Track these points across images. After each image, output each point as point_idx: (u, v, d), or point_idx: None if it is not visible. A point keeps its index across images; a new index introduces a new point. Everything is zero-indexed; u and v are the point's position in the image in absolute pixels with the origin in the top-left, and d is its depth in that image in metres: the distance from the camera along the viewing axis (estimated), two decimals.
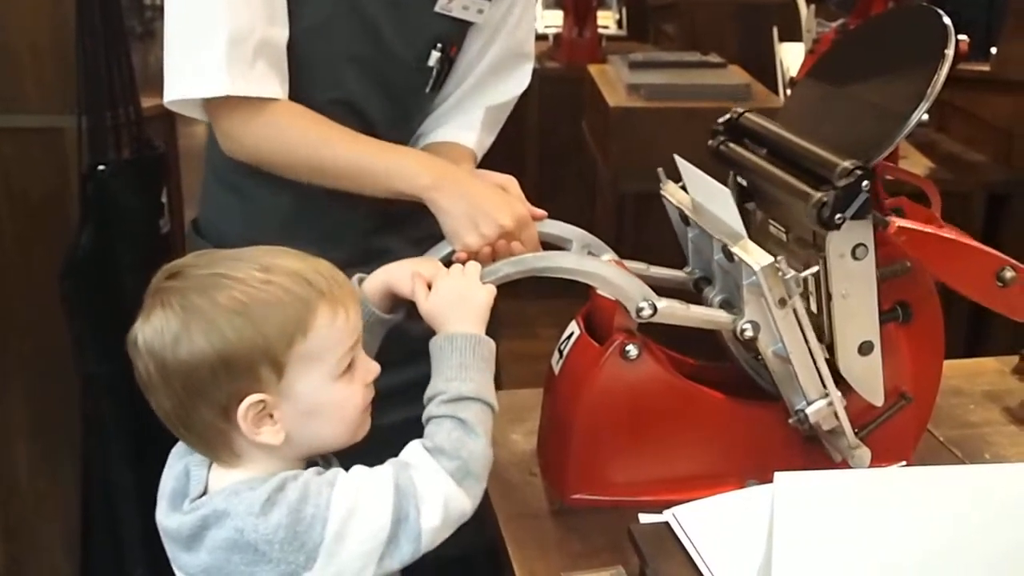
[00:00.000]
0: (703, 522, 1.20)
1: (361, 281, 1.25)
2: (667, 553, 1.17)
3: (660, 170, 1.43)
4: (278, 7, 1.42)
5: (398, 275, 1.22)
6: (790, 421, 1.30)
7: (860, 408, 1.33)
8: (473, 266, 1.23)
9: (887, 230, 1.22)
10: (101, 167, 2.25)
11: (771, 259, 1.22)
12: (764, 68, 3.51)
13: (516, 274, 1.26)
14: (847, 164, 1.19)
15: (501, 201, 1.38)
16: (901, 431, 1.39)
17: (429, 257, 1.33)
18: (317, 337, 1.04)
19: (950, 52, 1.23)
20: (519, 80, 1.67)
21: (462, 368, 1.12)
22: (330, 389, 1.06)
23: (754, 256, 1.23)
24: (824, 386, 1.28)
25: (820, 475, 0.99)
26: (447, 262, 1.29)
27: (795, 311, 1.24)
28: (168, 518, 1.07)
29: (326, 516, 1.00)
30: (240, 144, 1.45)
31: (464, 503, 1.07)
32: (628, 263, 1.40)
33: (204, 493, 1.06)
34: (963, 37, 2.67)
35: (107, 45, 2.26)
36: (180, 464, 1.09)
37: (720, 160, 1.42)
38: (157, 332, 1.02)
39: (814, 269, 1.24)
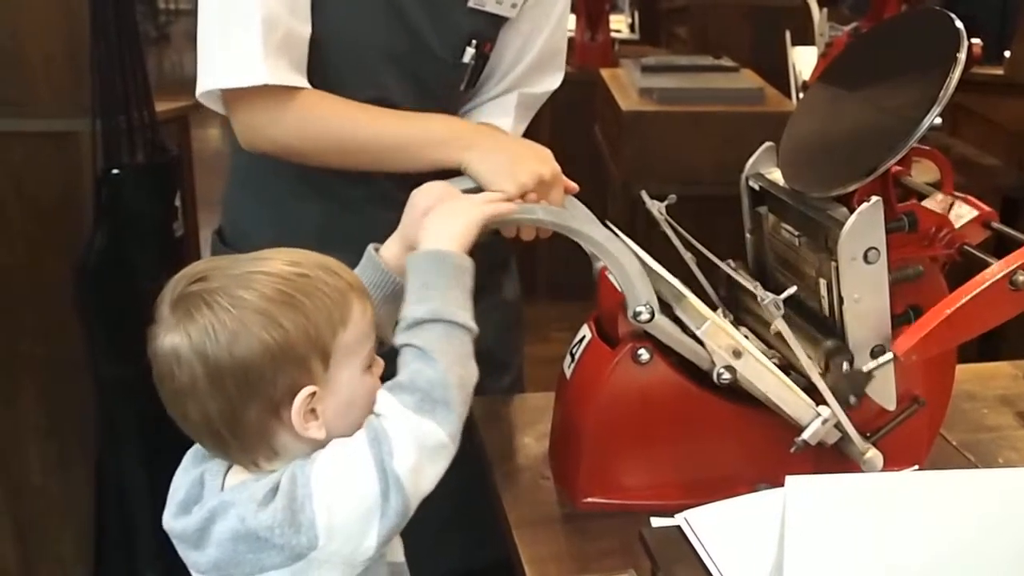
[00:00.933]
0: (714, 526, 1.19)
1: (377, 250, 1.24)
2: (679, 557, 1.17)
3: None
4: (302, 3, 1.42)
5: (411, 228, 1.20)
6: (792, 450, 1.30)
7: (873, 412, 1.32)
8: (484, 195, 1.22)
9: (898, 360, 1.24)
10: (115, 171, 2.26)
11: (708, 320, 1.24)
12: (777, 72, 3.50)
13: (548, 223, 1.26)
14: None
15: (539, 153, 1.39)
16: (914, 435, 1.38)
17: (444, 184, 1.29)
18: (354, 327, 1.05)
19: (962, 56, 1.23)
20: (554, 77, 1.67)
21: (424, 288, 1.09)
22: (362, 380, 1.06)
23: (693, 319, 1.25)
24: (815, 404, 1.28)
25: (831, 479, 0.99)
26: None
27: (752, 356, 1.26)
28: (176, 520, 1.06)
29: (310, 492, 0.99)
30: (268, 136, 1.44)
31: (438, 434, 1.02)
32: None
33: None
34: (976, 40, 2.66)
35: (121, 49, 2.27)
36: (196, 471, 1.08)
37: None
38: (207, 333, 0.99)
39: (791, 290, 1.24)
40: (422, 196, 1.23)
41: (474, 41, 1.54)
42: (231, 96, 1.43)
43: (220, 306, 1.00)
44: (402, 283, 1.15)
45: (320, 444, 1.04)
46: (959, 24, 1.27)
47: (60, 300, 2.29)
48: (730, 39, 4.40)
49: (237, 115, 1.45)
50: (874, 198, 1.22)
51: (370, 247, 1.24)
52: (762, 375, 1.27)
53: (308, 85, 1.43)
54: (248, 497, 1.00)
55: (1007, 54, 3.49)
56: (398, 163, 1.44)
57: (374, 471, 1.00)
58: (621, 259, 1.26)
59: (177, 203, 2.36)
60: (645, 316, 1.25)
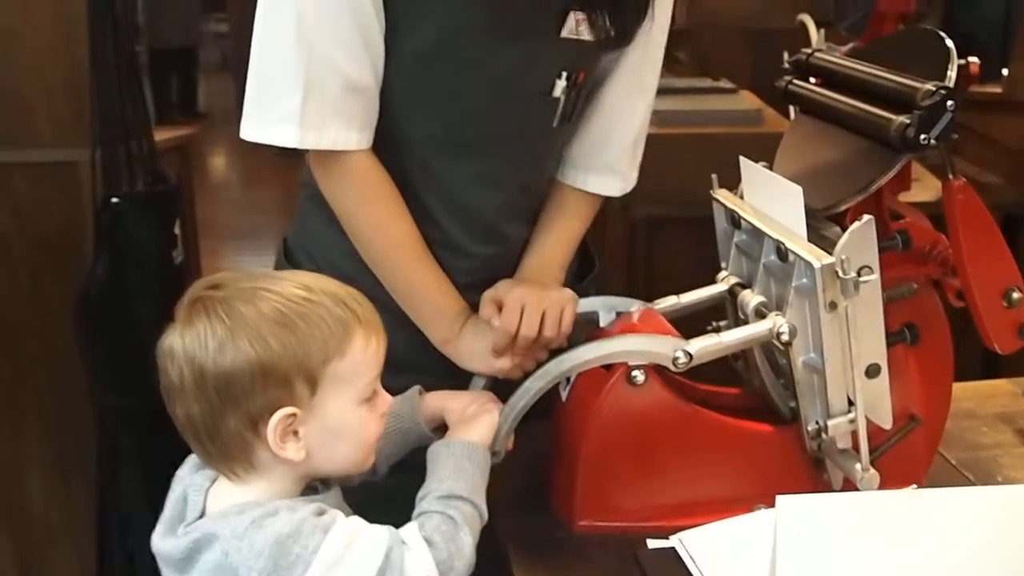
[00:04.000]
0: (709, 547, 1.19)
1: (421, 393, 1.30)
2: None
3: (714, 176, 1.43)
4: (364, 44, 1.31)
5: (451, 406, 1.28)
6: (808, 429, 1.29)
7: (869, 431, 1.32)
8: (492, 417, 1.25)
9: (955, 179, 1.25)
10: (115, 200, 2.27)
11: (832, 258, 1.20)
12: (775, 93, 3.50)
13: (547, 385, 1.28)
14: (930, 86, 1.20)
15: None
16: (911, 454, 1.38)
17: (484, 392, 1.35)
18: (352, 359, 1.06)
19: (952, 73, 1.23)
20: (649, 98, 1.54)
21: (457, 470, 1.15)
22: (355, 413, 1.08)
23: (815, 254, 1.22)
24: (850, 401, 1.27)
25: (823, 498, 0.99)
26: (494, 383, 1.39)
27: (845, 317, 1.23)
28: (163, 541, 1.07)
29: (309, 561, 1.00)
30: (322, 190, 1.42)
31: None
32: (658, 302, 1.41)
33: (200, 517, 1.06)
34: (974, 59, 2.66)
35: (120, 80, 2.29)
36: (179, 488, 1.10)
37: (790, 99, 1.44)
38: (199, 338, 1.03)
39: (874, 276, 1.23)
40: (458, 405, 1.29)
41: (565, 73, 1.39)
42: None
43: (217, 315, 1.03)
44: (423, 431, 1.27)
45: (299, 466, 1.06)
46: (949, 43, 1.27)
47: (62, 329, 2.30)
48: (730, 61, 4.40)
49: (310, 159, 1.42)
50: (866, 216, 1.22)
51: (416, 388, 1.30)
52: (835, 338, 1.24)
53: (352, 143, 1.34)
54: (231, 531, 1.01)
55: (1005, 72, 3.49)
56: (399, 302, 1.42)
57: None
58: (623, 349, 1.28)
59: (177, 231, 2.37)
60: (684, 359, 1.26)
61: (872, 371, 1.28)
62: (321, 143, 1.33)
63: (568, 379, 1.36)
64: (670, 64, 5.61)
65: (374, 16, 1.30)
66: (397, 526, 1.08)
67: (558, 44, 1.36)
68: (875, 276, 1.23)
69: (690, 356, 1.25)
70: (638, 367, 1.29)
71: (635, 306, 1.40)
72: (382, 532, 1.05)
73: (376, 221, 1.40)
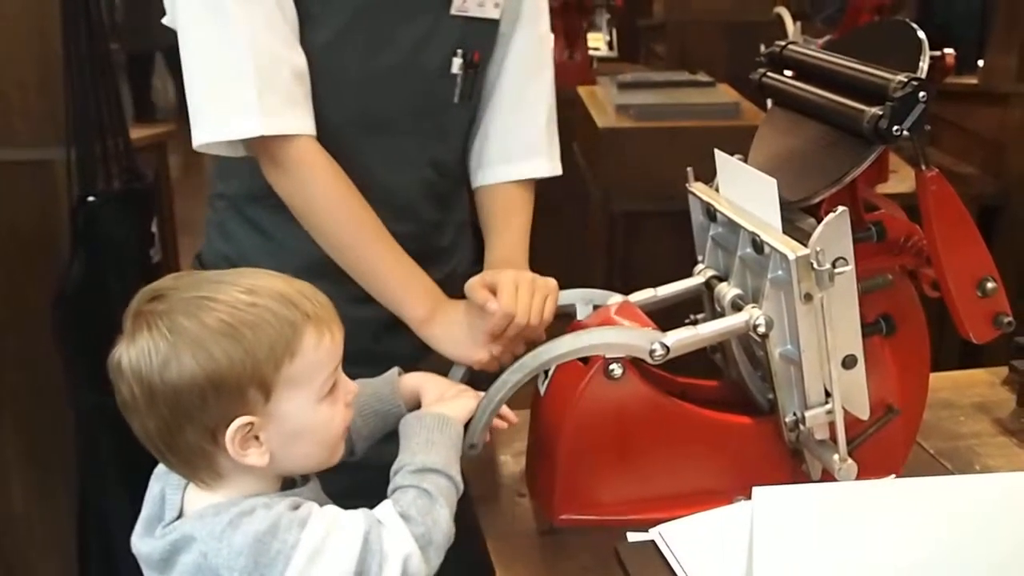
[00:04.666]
0: (688, 539, 1.20)
1: (400, 374, 1.29)
2: (653, 571, 1.17)
3: (689, 169, 1.44)
4: (295, 26, 1.39)
5: (429, 387, 1.27)
6: (786, 420, 1.30)
7: (846, 422, 1.32)
8: (469, 402, 1.25)
9: (928, 170, 1.25)
10: (91, 198, 2.26)
11: (806, 250, 1.21)
12: (753, 86, 3.51)
13: (525, 378, 1.28)
14: (902, 77, 1.20)
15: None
16: (889, 444, 1.38)
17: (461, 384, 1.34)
18: (304, 359, 1.04)
19: (924, 64, 1.24)
20: (547, 71, 1.62)
21: (428, 443, 1.14)
22: (315, 411, 1.07)
23: (789, 246, 1.23)
24: (827, 392, 1.28)
25: (799, 488, 0.99)
26: (467, 375, 1.38)
27: (821, 307, 1.23)
28: (142, 542, 1.07)
29: (290, 556, 0.99)
30: (271, 179, 1.42)
31: (421, 570, 1.06)
32: (635, 295, 1.41)
33: (179, 517, 1.06)
34: (949, 50, 2.68)
35: (94, 77, 2.27)
36: (157, 487, 1.09)
37: (764, 91, 1.44)
38: (143, 354, 1.00)
39: (848, 268, 1.23)
40: (435, 387, 1.28)
41: (460, 51, 1.50)
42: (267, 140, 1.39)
43: (159, 331, 1.00)
44: (401, 412, 1.25)
45: (265, 469, 1.05)
46: (921, 34, 1.28)
47: (39, 328, 2.28)
48: (707, 54, 4.41)
49: (259, 158, 1.42)
50: (840, 208, 1.23)
51: (396, 369, 1.30)
52: (812, 330, 1.24)
53: (305, 128, 1.39)
54: (208, 533, 1.00)
55: (981, 63, 3.51)
56: (366, 287, 1.43)
57: (353, 565, 1.01)
58: (599, 342, 1.28)
59: (154, 229, 2.36)
60: (661, 351, 1.26)
61: (848, 362, 1.28)
62: (284, 128, 1.36)
63: (546, 373, 1.36)
64: (648, 58, 5.67)
65: (292, 6, 1.38)
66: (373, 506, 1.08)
67: (450, 21, 1.48)
68: (850, 267, 1.24)
69: (667, 348, 1.26)
70: (616, 360, 1.29)
71: (612, 299, 1.40)
72: (358, 517, 1.04)
73: (337, 201, 1.41)
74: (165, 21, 1.45)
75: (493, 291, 1.35)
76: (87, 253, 2.25)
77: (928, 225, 1.27)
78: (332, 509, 1.06)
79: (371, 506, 1.08)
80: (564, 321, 1.40)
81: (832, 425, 1.29)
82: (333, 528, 1.02)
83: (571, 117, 3.91)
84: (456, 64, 1.50)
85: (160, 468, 1.11)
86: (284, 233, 1.50)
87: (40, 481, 2.47)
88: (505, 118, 1.59)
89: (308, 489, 1.11)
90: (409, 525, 1.06)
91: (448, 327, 1.40)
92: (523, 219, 1.57)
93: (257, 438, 1.03)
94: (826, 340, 1.24)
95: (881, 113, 1.20)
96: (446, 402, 1.23)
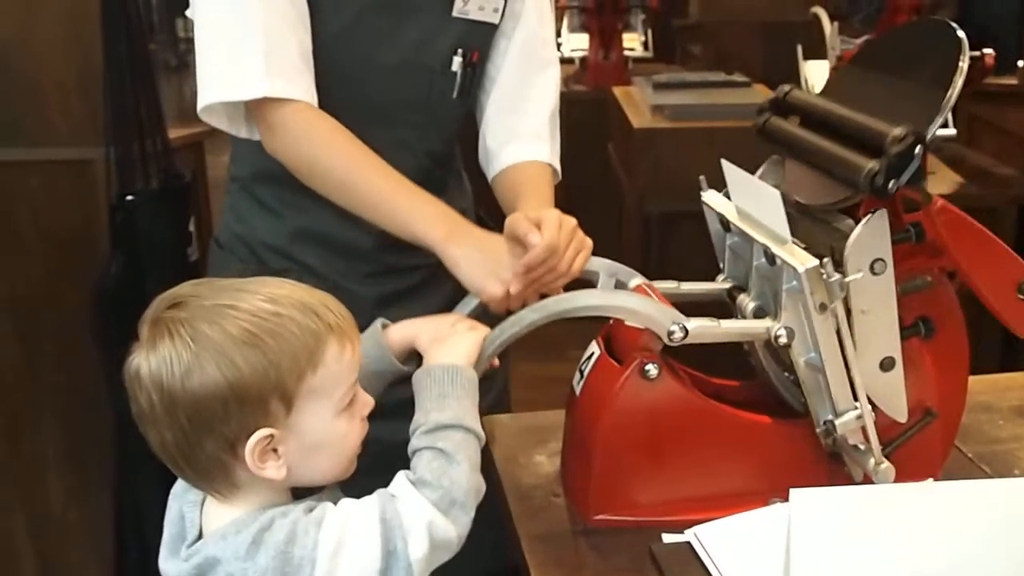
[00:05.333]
0: (725, 541, 1.19)
1: (385, 327, 1.25)
2: (689, 573, 1.16)
3: (702, 178, 1.43)
4: (304, 16, 1.46)
5: (421, 331, 1.24)
6: (818, 430, 1.29)
7: (884, 425, 1.31)
8: (478, 334, 1.22)
9: (931, 205, 1.23)
10: (130, 197, 2.28)
11: (816, 261, 1.21)
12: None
13: (541, 320, 1.25)
14: (898, 131, 1.19)
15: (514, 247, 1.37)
16: (927, 448, 1.37)
17: (456, 314, 1.32)
18: (326, 371, 1.03)
19: (964, 64, 1.23)
20: (548, 71, 1.67)
21: (441, 398, 1.11)
22: (333, 424, 1.05)
23: (799, 258, 1.22)
24: (855, 398, 1.27)
25: (837, 491, 0.98)
26: (478, 312, 1.32)
27: (836, 317, 1.22)
28: (168, 564, 1.06)
29: (314, 557, 0.98)
30: (270, 147, 1.47)
31: (449, 532, 1.04)
32: (658, 283, 1.40)
33: (200, 536, 1.05)
34: (989, 51, 2.66)
35: (134, 77, 2.30)
36: (176, 507, 1.08)
37: (766, 138, 1.42)
38: (165, 363, 0.98)
39: (859, 274, 1.22)
40: (434, 325, 1.25)
41: (460, 50, 1.57)
42: (263, 105, 1.44)
43: (181, 338, 0.98)
44: (394, 364, 1.23)
45: (282, 482, 1.04)
46: (961, 33, 1.27)
47: (79, 328, 2.30)
48: (743, 55, 4.40)
49: (267, 123, 1.46)
50: (879, 209, 1.22)
51: (378, 322, 1.25)
52: (830, 339, 1.24)
53: (307, 97, 1.45)
54: (232, 554, 0.99)
55: (1021, 64, 3.48)
56: (379, 221, 1.44)
57: (379, 549, 1.00)
58: (625, 305, 1.26)
59: (191, 228, 2.38)
60: (679, 334, 1.25)
61: (887, 364, 1.28)
62: (287, 92, 1.42)
63: (581, 372, 1.36)
64: (683, 58, 5.66)
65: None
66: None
67: (452, 22, 1.55)
68: (889, 269, 1.23)
69: (686, 332, 1.24)
70: (651, 360, 1.28)
71: (635, 280, 1.39)
72: (371, 500, 1.03)
73: (335, 144, 1.45)
74: (188, 13, 1.51)
75: (536, 227, 1.33)
76: (126, 252, 2.27)
77: (950, 255, 1.26)
78: (345, 502, 1.04)
79: (388, 481, 1.07)
80: (582, 287, 1.38)
81: (864, 429, 1.28)
82: (349, 519, 1.01)
83: (606, 117, 3.92)
84: (456, 63, 1.58)
85: (177, 487, 1.09)
86: (291, 211, 1.58)
87: (79, 482, 2.48)
88: (506, 116, 1.64)
89: (326, 494, 1.10)
90: (425, 490, 1.04)
91: (469, 250, 1.37)
92: (545, 189, 1.58)
93: (275, 451, 1.02)
94: (848, 346, 1.24)
95: (877, 169, 1.19)
96: (445, 343, 1.19)
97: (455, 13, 1.55)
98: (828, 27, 3.22)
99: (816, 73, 3.27)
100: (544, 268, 1.32)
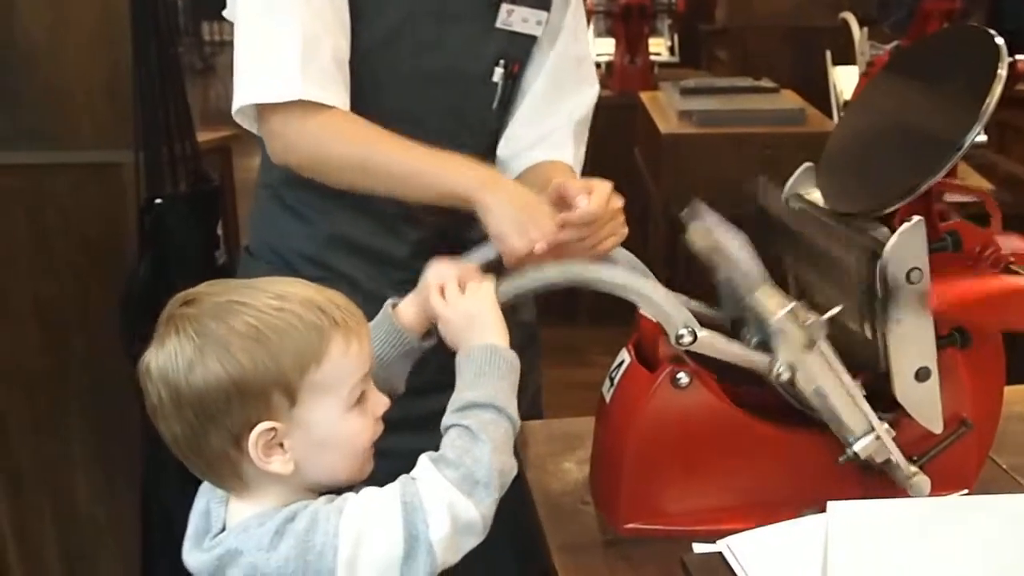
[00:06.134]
0: (757, 552, 1.18)
1: (395, 306, 1.23)
2: None
3: (685, 212, 1.39)
4: (344, 21, 1.46)
5: (434, 300, 1.20)
6: (840, 460, 1.28)
7: (919, 435, 1.30)
8: (487, 285, 1.20)
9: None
10: (158, 201, 2.28)
11: (787, 307, 1.22)
12: (818, 92, 3.48)
13: (562, 281, 1.24)
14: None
15: (550, 208, 1.37)
16: (962, 459, 1.36)
17: (461, 263, 1.27)
18: (331, 366, 1.03)
19: (1003, 72, 1.21)
20: (587, 88, 1.68)
21: (477, 377, 1.10)
22: (343, 420, 1.05)
23: (770, 306, 1.23)
24: (869, 420, 1.26)
25: (875, 504, 0.97)
26: (493, 265, 1.29)
27: (823, 353, 1.24)
28: (191, 556, 1.06)
29: (336, 544, 0.99)
30: (295, 150, 1.47)
31: (471, 512, 1.02)
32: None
33: (223, 530, 1.05)
34: (1021, 56, 2.63)
35: (163, 81, 2.30)
36: (203, 501, 1.09)
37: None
38: (170, 358, 1.01)
39: (836, 309, 1.23)
40: (435, 274, 1.22)
41: (502, 61, 1.57)
42: (266, 111, 1.45)
43: (187, 334, 1.01)
44: (419, 345, 1.21)
45: (290, 479, 1.04)
46: (999, 40, 1.25)
47: (106, 330, 2.31)
48: (770, 60, 4.38)
49: (270, 129, 1.47)
50: (916, 217, 1.20)
51: (388, 304, 1.24)
52: (825, 375, 1.25)
53: (340, 103, 1.45)
54: (255, 545, 1.00)
55: None
56: (415, 191, 1.44)
57: (400, 532, 1.00)
58: (646, 293, 1.25)
59: (219, 231, 2.38)
60: (688, 338, 1.24)
61: (922, 375, 1.26)
62: (321, 97, 1.42)
63: (611, 380, 1.35)
64: (710, 63, 5.64)
65: (345, 4, 1.45)
66: None
67: (495, 33, 1.55)
68: (925, 278, 1.22)
69: (695, 337, 1.24)
70: (683, 368, 1.27)
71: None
72: (393, 486, 1.03)
73: (361, 137, 1.45)
74: (225, 14, 1.51)
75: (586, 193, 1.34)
76: (154, 255, 2.28)
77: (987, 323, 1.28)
78: (367, 489, 1.04)
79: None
80: None
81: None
82: (370, 505, 1.01)
83: (632, 122, 3.91)
84: (498, 73, 1.58)
85: (206, 483, 1.10)
86: (323, 217, 1.58)
87: (106, 481, 2.50)
88: (527, 129, 1.64)
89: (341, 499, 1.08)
90: (446, 469, 1.03)
91: (504, 199, 1.36)
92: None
93: (282, 445, 1.03)
94: (847, 379, 1.26)
95: None
96: (459, 303, 1.17)
97: (498, 24, 1.55)
98: (857, 32, 3.20)
99: (845, 79, 3.25)
100: (577, 235, 1.32)
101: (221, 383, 1.00)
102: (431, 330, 1.22)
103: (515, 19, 1.56)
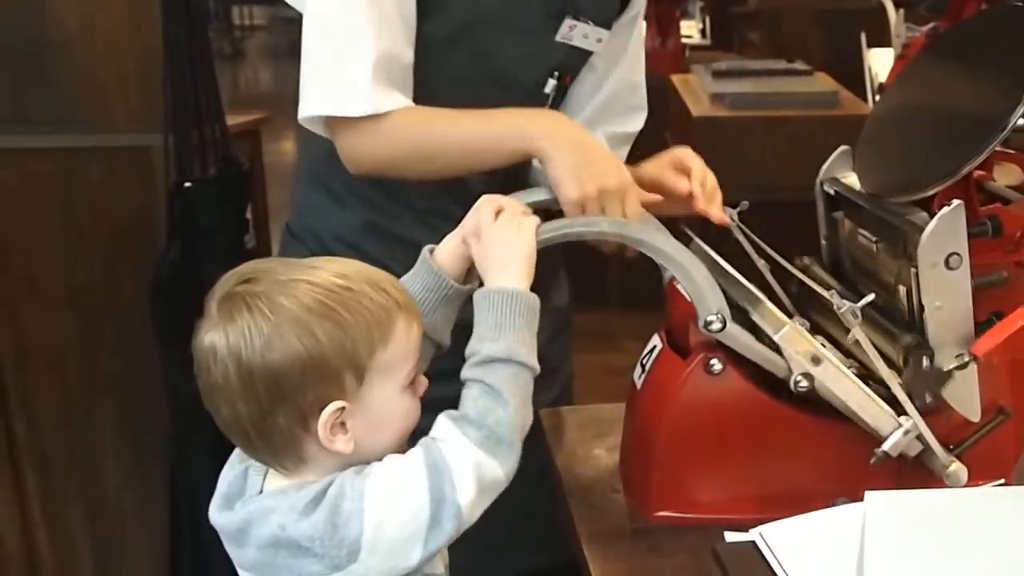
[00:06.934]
0: (791, 541, 1.16)
1: (432, 252, 1.21)
2: (753, 573, 1.14)
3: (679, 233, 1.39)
4: (412, 24, 1.45)
5: (471, 243, 1.18)
6: (872, 461, 1.26)
7: (956, 424, 1.28)
8: (531, 220, 1.18)
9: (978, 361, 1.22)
10: (188, 185, 2.28)
11: (786, 325, 1.21)
12: (852, 75, 3.44)
13: (612, 235, 1.24)
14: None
15: (612, 162, 1.36)
16: (1000, 448, 1.33)
17: (509, 198, 1.24)
18: (396, 347, 1.04)
19: None
20: (636, 115, 1.71)
21: (496, 328, 1.08)
22: (400, 400, 1.06)
23: (771, 324, 1.22)
24: (896, 414, 1.24)
25: (911, 494, 0.96)
26: (542, 210, 1.28)
27: (832, 364, 1.23)
28: (220, 515, 1.07)
29: (362, 508, 0.99)
30: (369, 158, 1.46)
31: (496, 472, 1.03)
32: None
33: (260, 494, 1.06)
34: None
35: (193, 65, 2.30)
36: (241, 466, 1.09)
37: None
38: (243, 335, 1.00)
39: (869, 298, 1.21)
40: (485, 199, 1.20)
41: (556, 72, 1.57)
42: (335, 122, 1.44)
43: (259, 310, 1.00)
44: (461, 289, 1.18)
45: (347, 458, 1.04)
46: None
47: (137, 315, 2.32)
48: (804, 42, 4.33)
49: (341, 140, 1.46)
50: (955, 201, 1.18)
51: (425, 250, 1.22)
52: (841, 382, 1.24)
53: (406, 104, 1.44)
54: (289, 506, 1.00)
55: None
56: (478, 158, 1.44)
57: (427, 495, 1.00)
58: (689, 269, 1.23)
59: (248, 215, 2.38)
60: (717, 325, 1.22)
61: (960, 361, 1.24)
62: (390, 105, 1.41)
63: (643, 366, 1.34)
64: (742, 46, 5.60)
65: (413, 6, 1.44)
66: None
67: (554, 45, 1.55)
68: (964, 263, 1.19)
69: (724, 326, 1.22)
70: (715, 356, 1.26)
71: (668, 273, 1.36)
72: (416, 450, 1.03)
73: (422, 127, 1.44)
74: (290, 1, 1.52)
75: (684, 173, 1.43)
76: (183, 240, 2.27)
77: None
78: (391, 456, 1.04)
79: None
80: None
81: (921, 437, 1.25)
82: (395, 469, 1.02)
83: (663, 105, 3.88)
84: (550, 84, 1.57)
85: (236, 455, 1.10)
86: (361, 203, 1.58)
87: (134, 466, 2.50)
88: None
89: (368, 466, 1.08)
90: (469, 429, 1.03)
91: (564, 147, 1.35)
92: None
93: (343, 425, 1.03)
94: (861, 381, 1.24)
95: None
96: (502, 259, 1.13)
97: (559, 38, 1.54)
98: (893, 14, 3.16)
99: (880, 62, 3.21)
100: (649, 202, 1.35)
101: (300, 360, 1.00)
102: (470, 272, 1.20)
103: (576, 34, 1.55)
